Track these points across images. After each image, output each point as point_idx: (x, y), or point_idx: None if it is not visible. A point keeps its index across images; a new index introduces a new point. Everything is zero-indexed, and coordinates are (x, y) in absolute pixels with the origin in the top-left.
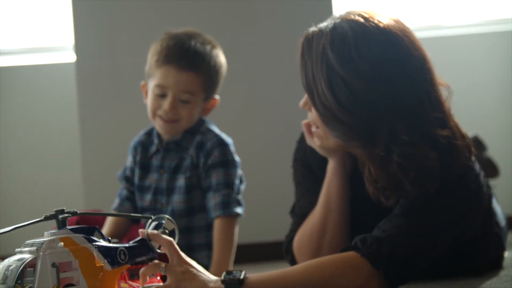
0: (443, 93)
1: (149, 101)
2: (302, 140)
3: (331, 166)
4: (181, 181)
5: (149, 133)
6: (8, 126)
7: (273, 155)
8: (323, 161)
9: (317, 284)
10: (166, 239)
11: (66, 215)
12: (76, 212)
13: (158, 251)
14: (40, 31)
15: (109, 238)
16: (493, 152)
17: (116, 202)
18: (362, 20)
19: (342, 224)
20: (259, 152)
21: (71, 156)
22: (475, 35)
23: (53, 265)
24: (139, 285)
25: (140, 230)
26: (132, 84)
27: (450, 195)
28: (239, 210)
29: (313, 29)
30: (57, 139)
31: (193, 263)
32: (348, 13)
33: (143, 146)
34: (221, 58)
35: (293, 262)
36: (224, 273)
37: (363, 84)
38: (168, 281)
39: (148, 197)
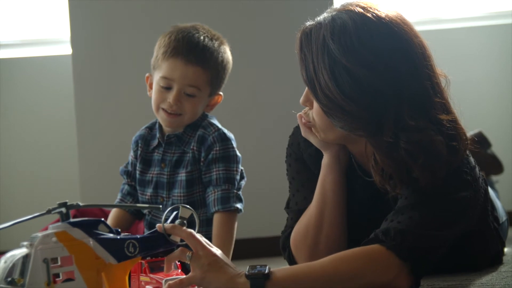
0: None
1: (153, 93)
2: (295, 135)
3: (325, 160)
4: (182, 175)
5: (151, 127)
6: (4, 118)
7: (271, 150)
8: (318, 156)
9: (344, 277)
10: (186, 231)
11: (60, 208)
12: (79, 204)
13: (180, 243)
14: (36, 24)
15: (118, 230)
16: (493, 147)
17: (118, 197)
18: (360, 9)
19: (339, 219)
20: (257, 147)
21: (68, 148)
22: (473, 28)
23: (44, 260)
24: (161, 277)
25: (158, 225)
26: (128, 77)
27: (451, 185)
28: (238, 205)
29: (310, 22)
30: (53, 131)
31: (218, 253)
32: (344, 5)
33: (145, 140)
34: (228, 54)
35: (290, 258)
36: (248, 268)
37: (367, 73)
38: (192, 273)
39: (149, 191)
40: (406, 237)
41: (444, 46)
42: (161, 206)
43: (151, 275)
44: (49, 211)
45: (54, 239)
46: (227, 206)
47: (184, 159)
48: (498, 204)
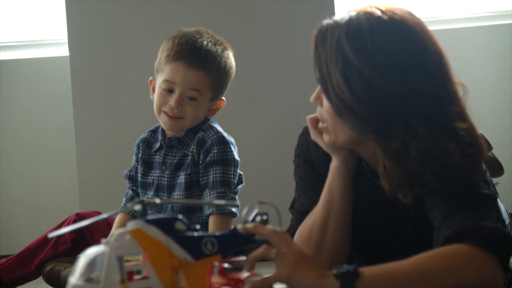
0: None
1: (155, 96)
2: (305, 135)
3: (334, 164)
4: (181, 178)
5: (155, 131)
6: (2, 120)
7: (272, 152)
8: (327, 158)
9: (436, 275)
10: (268, 229)
11: (136, 206)
12: (155, 202)
13: (264, 240)
14: (34, 26)
15: (196, 228)
16: (494, 147)
17: (122, 202)
18: (378, 12)
19: (344, 224)
20: (258, 149)
21: (66, 149)
22: (473, 29)
23: (118, 258)
24: (240, 278)
25: (239, 226)
26: (126, 78)
27: (475, 184)
28: (233, 209)
29: (327, 21)
30: (51, 133)
31: (304, 251)
32: (364, 6)
33: (147, 143)
34: (232, 60)
35: None
36: (334, 267)
37: (379, 76)
38: (277, 271)
39: (150, 193)
40: (482, 231)
41: (444, 46)
42: (239, 202)
43: (230, 276)
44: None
45: (128, 237)
46: (222, 208)
47: (185, 161)
48: (501, 206)
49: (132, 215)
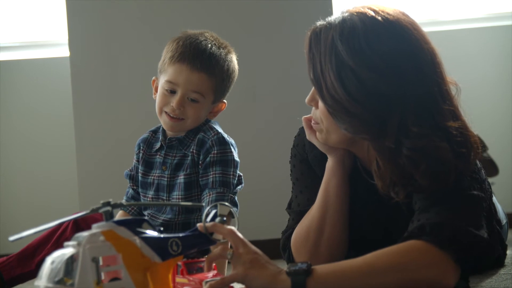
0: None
1: (157, 96)
2: (301, 135)
3: (330, 164)
4: (181, 178)
5: (155, 131)
6: (3, 119)
7: (272, 154)
8: (322, 158)
9: (384, 270)
10: (227, 229)
11: (105, 207)
12: (122, 204)
13: (222, 240)
14: (35, 27)
15: (161, 229)
16: (491, 149)
17: (123, 200)
18: (371, 12)
19: (340, 223)
20: (258, 150)
21: (66, 149)
22: (473, 30)
23: (93, 259)
24: (200, 278)
25: (198, 224)
26: (125, 78)
27: (464, 182)
28: (233, 208)
29: (320, 22)
30: (52, 132)
31: (259, 251)
32: (357, 7)
33: (148, 143)
34: (235, 63)
35: (290, 259)
36: (288, 265)
37: (373, 76)
38: (234, 271)
39: (150, 193)
40: (442, 228)
41: (443, 47)
42: (204, 204)
43: (190, 277)
44: (93, 210)
45: (101, 238)
46: None
47: (185, 162)
48: (498, 206)
49: (133, 214)
